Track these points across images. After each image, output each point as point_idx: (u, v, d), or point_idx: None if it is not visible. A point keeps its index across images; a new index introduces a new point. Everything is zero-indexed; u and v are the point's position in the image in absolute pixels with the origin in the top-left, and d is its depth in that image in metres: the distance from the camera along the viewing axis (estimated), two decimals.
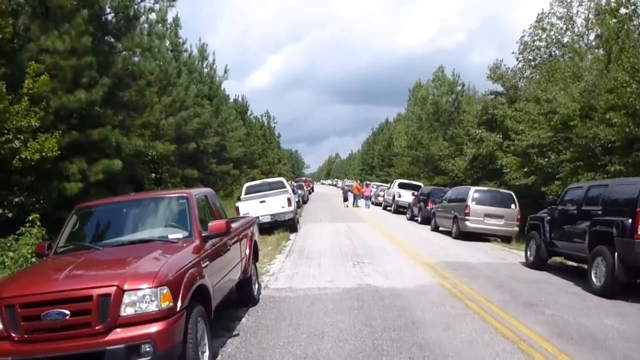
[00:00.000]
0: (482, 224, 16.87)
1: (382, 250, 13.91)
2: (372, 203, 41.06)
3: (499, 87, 31.36)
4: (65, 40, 14.62)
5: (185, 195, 5.92)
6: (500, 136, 28.31)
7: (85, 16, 14.66)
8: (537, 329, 6.49)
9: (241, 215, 18.19)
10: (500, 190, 18.26)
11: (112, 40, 18.68)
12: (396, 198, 31.38)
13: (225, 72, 40.93)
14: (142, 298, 4.23)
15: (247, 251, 7.56)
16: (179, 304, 4.42)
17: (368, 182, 53.61)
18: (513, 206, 17.09)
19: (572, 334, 6.34)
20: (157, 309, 4.23)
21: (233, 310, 7.38)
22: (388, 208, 34.39)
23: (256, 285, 8.08)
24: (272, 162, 64.44)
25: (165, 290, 4.28)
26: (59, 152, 13.86)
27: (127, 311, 4.21)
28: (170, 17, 33.26)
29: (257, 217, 18.30)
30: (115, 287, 4.21)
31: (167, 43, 33.37)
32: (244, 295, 7.63)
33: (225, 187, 39.73)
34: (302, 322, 6.80)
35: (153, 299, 4.23)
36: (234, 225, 7.48)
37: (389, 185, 40.19)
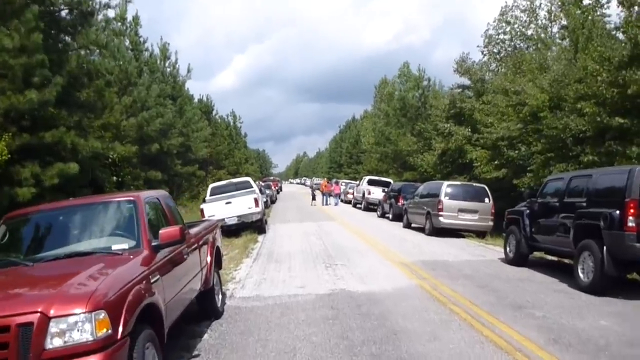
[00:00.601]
0: (456, 220, 16.39)
1: (354, 251, 13.26)
2: (342, 201, 40.46)
3: (466, 81, 31.11)
4: (14, 37, 13.71)
5: (132, 198, 5.11)
6: (469, 130, 28.02)
7: (36, 12, 13.83)
8: (530, 335, 5.90)
9: (206, 217, 17.36)
10: (473, 184, 17.84)
11: (67, 37, 17.76)
12: (366, 195, 30.85)
13: (189, 71, 39.97)
14: (73, 326, 3.43)
15: (209, 259, 6.78)
16: (120, 330, 3.63)
17: (337, 180, 52.98)
18: (487, 200, 16.67)
19: (569, 339, 5.76)
20: (92, 339, 3.44)
21: (194, 324, 6.61)
22: (358, 205, 33.84)
23: (220, 296, 7.31)
24: (239, 162, 63.36)
25: (102, 314, 3.50)
26: (9, 155, 12.98)
27: (54, 343, 3.41)
28: (129, 16, 32.24)
29: (223, 220, 17.47)
30: (38, 314, 3.40)
31: (127, 42, 32.30)
32: (205, 307, 6.85)
33: (191, 188, 38.75)
34: (272, 337, 6.07)
35: (87, 326, 3.44)
36: (193, 230, 6.73)
37: (358, 182, 39.66)
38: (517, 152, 21.34)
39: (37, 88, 13.94)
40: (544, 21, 32.60)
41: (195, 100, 49.50)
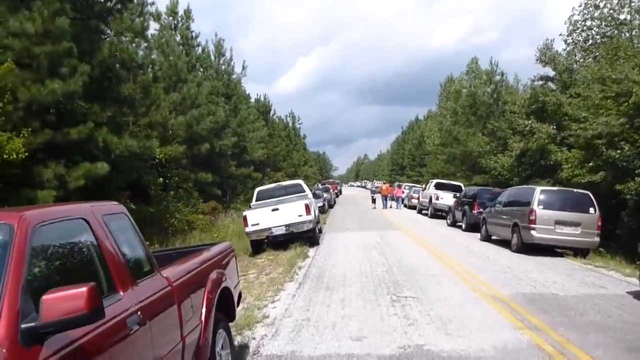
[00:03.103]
0: (552, 234, 13.18)
1: (427, 274, 10.37)
2: (405, 206, 37.56)
3: (549, 71, 27.48)
4: (36, 20, 11.92)
5: (3, 223, 2.54)
6: (554, 127, 24.52)
7: None
8: None
9: (249, 226, 14.98)
10: (574, 190, 14.47)
11: (101, 24, 16.00)
12: (433, 200, 27.68)
13: (243, 68, 38.42)
14: None
15: (204, 313, 4.16)
16: None
17: (400, 183, 50.06)
18: (592, 210, 13.34)
19: None
20: None
21: None
22: (424, 212, 30.68)
23: None
24: (297, 164, 61.46)
25: None
26: (26, 153, 11.29)
27: None
28: (181, 9, 30.92)
29: (269, 229, 15.02)
30: None
31: (178, 37, 30.91)
32: None
33: (246, 191, 37.01)
34: None
35: None
36: (179, 267, 4.15)
37: (423, 186, 36.61)
38: (619, 151, 17.88)
39: (64, 79, 12.23)
40: (639, 3, 28.47)
41: (252, 100, 48.09)
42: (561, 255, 13.60)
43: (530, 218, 13.28)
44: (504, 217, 15.07)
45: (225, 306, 4.76)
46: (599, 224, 13.31)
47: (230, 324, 5.11)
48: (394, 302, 8.01)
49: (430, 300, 8.01)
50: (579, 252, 13.55)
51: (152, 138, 18.48)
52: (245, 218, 15.17)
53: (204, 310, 4.16)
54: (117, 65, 16.38)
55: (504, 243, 15.13)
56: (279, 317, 7.27)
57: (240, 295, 5.61)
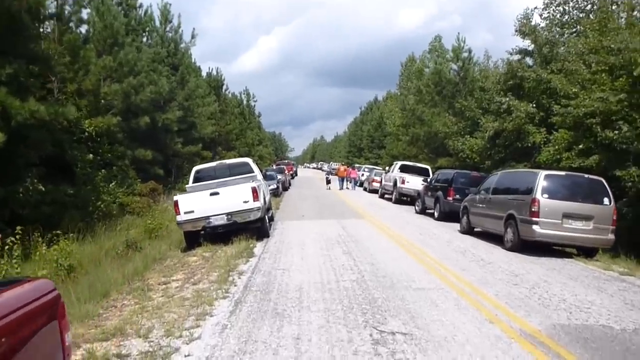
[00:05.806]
0: (559, 230, 10.56)
1: (414, 288, 7.55)
2: (366, 190, 35.47)
3: (526, 45, 25.03)
4: None
5: None
6: (534, 105, 22.12)
7: None
8: None
9: (182, 214, 11.95)
10: (585, 175, 11.85)
11: None
12: (398, 184, 25.03)
13: (193, 37, 34.82)
14: None
15: None
16: None
17: (357, 165, 47.99)
18: (606, 201, 10.78)
19: None
20: None
21: None
22: (387, 196, 28.08)
23: None
24: (251, 143, 58.18)
25: None
26: None
27: None
28: None
29: (205, 219, 11.96)
30: None
31: None
32: None
33: None
34: None
35: None
36: None
37: (385, 168, 34.13)
38: (616, 132, 15.56)
39: None
40: None
41: (204, 74, 44.64)
42: (568, 255, 11.07)
43: (532, 209, 10.65)
44: (494, 206, 12.46)
45: None
46: (614, 217, 10.81)
47: None
48: (377, 344, 5.15)
49: (432, 342, 5.17)
50: (586, 251, 11.06)
51: (69, 104, 15.40)
52: (176, 203, 12.04)
53: None
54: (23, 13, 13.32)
55: (492, 237, 12.56)
56: None
57: None
